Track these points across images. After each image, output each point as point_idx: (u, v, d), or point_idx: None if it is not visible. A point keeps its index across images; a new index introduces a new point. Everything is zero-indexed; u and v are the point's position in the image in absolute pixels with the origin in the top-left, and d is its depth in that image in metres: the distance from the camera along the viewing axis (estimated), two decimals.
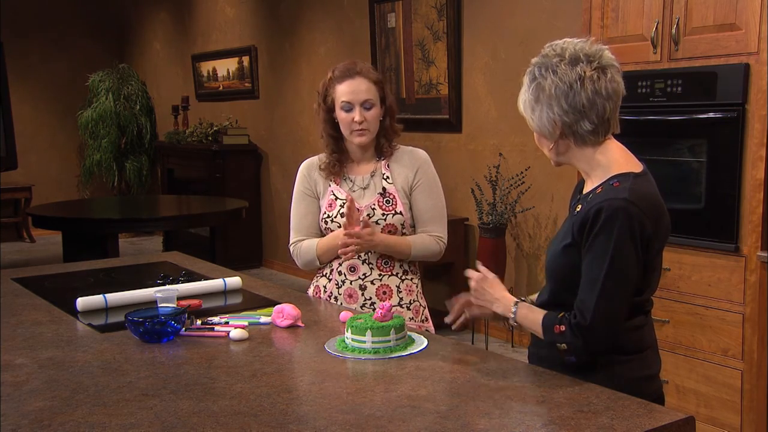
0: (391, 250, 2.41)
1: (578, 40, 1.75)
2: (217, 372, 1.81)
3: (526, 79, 1.76)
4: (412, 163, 2.47)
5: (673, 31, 3.12)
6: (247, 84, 7.67)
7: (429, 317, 2.55)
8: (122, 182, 9.15)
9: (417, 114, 5.54)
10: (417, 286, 2.51)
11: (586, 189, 1.80)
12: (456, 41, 5.15)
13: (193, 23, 8.57)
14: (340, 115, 2.39)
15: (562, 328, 1.69)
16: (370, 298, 2.43)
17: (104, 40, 9.86)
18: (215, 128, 7.70)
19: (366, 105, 2.37)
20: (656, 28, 3.18)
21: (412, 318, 2.45)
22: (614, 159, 1.76)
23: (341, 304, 2.44)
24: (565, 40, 1.75)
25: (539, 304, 1.87)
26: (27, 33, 9.23)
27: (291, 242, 2.55)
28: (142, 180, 9.13)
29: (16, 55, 8.85)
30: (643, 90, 3.24)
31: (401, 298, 2.45)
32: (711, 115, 3.04)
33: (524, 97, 1.76)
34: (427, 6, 5.33)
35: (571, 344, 1.67)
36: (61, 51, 9.51)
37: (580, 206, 1.77)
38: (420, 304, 2.50)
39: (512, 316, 1.80)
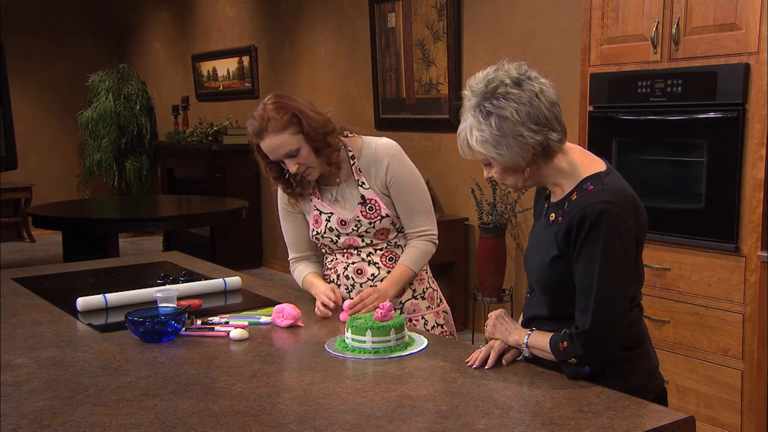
0: (402, 284, 2.35)
1: (490, 68, 1.72)
2: (217, 372, 1.81)
3: (475, 119, 1.69)
4: (380, 162, 2.34)
5: (673, 31, 3.12)
6: (247, 84, 7.67)
7: (443, 298, 2.52)
8: (122, 182, 9.15)
9: (417, 114, 5.54)
10: (426, 272, 2.47)
11: (556, 196, 1.79)
12: (456, 41, 5.15)
13: (193, 23, 8.57)
14: (280, 163, 2.30)
15: (565, 343, 1.68)
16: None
17: (104, 40, 9.86)
18: (215, 128, 7.69)
19: (290, 154, 2.24)
20: (656, 28, 3.18)
21: (429, 306, 2.43)
22: (577, 161, 1.76)
23: None
24: (479, 73, 1.72)
25: (531, 317, 1.86)
26: (27, 33, 9.23)
27: (289, 258, 2.54)
28: (142, 180, 9.13)
29: (16, 55, 8.85)
30: (643, 90, 3.23)
31: (414, 290, 2.41)
32: (711, 115, 3.04)
33: (483, 136, 1.68)
34: (427, 6, 5.33)
35: (578, 355, 1.67)
36: (61, 51, 9.51)
37: (554, 215, 1.77)
38: (432, 289, 2.47)
39: (524, 342, 1.77)
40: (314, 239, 2.44)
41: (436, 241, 2.43)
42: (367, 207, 2.34)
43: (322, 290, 2.33)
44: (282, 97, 2.28)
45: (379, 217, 2.35)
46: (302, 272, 2.48)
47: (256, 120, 2.24)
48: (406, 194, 2.36)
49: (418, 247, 2.38)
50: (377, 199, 2.34)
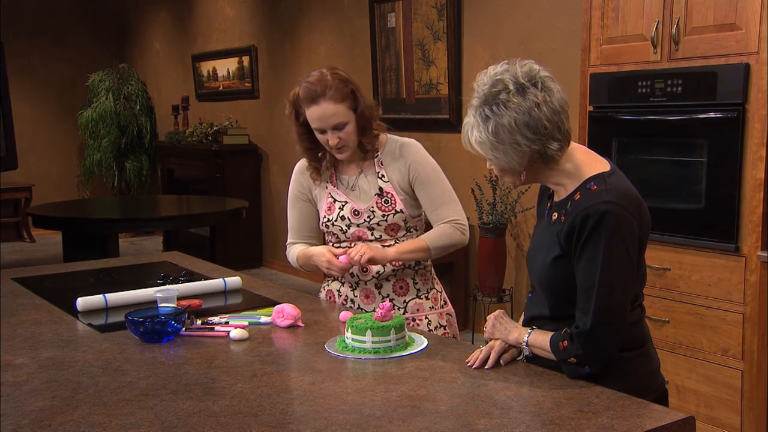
0: (409, 256, 2.34)
1: (502, 66, 1.71)
2: (217, 372, 1.81)
3: (475, 120, 1.70)
4: (404, 159, 2.38)
5: (673, 31, 3.12)
6: (247, 84, 7.67)
7: (447, 300, 2.52)
8: (122, 182, 9.15)
9: (417, 114, 5.54)
10: (430, 272, 2.48)
11: (559, 196, 1.79)
12: (456, 41, 5.15)
13: (193, 23, 8.57)
14: (317, 134, 2.33)
15: (565, 343, 1.68)
16: (388, 295, 2.39)
17: (104, 40, 9.86)
18: (215, 128, 7.70)
19: (338, 127, 2.27)
20: (656, 28, 3.18)
21: (433, 307, 2.43)
22: (581, 162, 1.76)
23: (358, 306, 2.41)
24: (490, 69, 1.72)
25: (532, 317, 1.87)
26: (27, 33, 9.23)
27: (287, 242, 2.56)
28: (142, 180, 9.13)
29: (16, 55, 8.85)
30: (643, 90, 3.23)
31: (419, 290, 2.42)
32: (711, 115, 3.04)
33: (480, 138, 1.69)
34: (427, 6, 5.33)
35: (578, 355, 1.67)
36: (61, 51, 9.51)
37: (556, 214, 1.77)
38: (437, 290, 2.47)
39: (525, 341, 1.77)
40: (324, 227, 2.46)
41: (464, 231, 2.40)
42: (383, 200, 2.37)
43: (321, 250, 2.36)
44: (341, 70, 2.33)
45: (393, 212, 2.36)
46: (297, 249, 2.49)
47: (315, 84, 2.26)
48: (430, 188, 2.38)
49: (441, 228, 2.38)
50: (394, 193, 2.37)
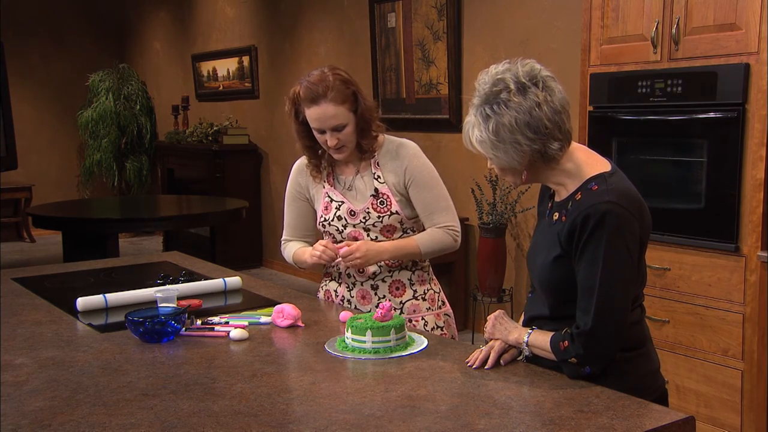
0: (400, 255, 2.35)
1: (503, 65, 1.71)
2: (217, 372, 1.81)
3: (475, 119, 1.70)
4: (400, 161, 2.38)
5: (673, 31, 3.12)
6: (247, 84, 7.67)
7: (446, 300, 2.51)
8: (122, 182, 9.15)
9: (417, 114, 5.54)
10: (428, 273, 2.47)
11: (560, 196, 1.79)
12: (456, 41, 5.15)
13: (193, 23, 8.57)
14: (315, 133, 2.32)
15: (566, 343, 1.68)
16: (384, 296, 2.39)
17: (104, 40, 9.86)
18: (215, 128, 7.70)
19: (337, 128, 2.26)
20: (656, 28, 3.18)
21: (429, 308, 2.43)
22: (582, 162, 1.76)
23: (355, 306, 2.41)
24: (492, 68, 1.72)
25: (532, 317, 1.87)
26: (27, 33, 9.23)
27: (282, 238, 2.57)
28: (142, 180, 9.13)
29: (16, 55, 8.85)
30: (643, 90, 3.23)
31: (415, 291, 2.42)
32: (711, 115, 3.04)
33: (481, 137, 1.70)
34: (427, 6, 5.33)
35: (578, 355, 1.67)
36: (61, 51, 9.51)
37: (557, 214, 1.77)
38: (434, 291, 2.47)
39: (525, 341, 1.77)
40: (320, 226, 2.46)
41: (457, 237, 2.41)
42: (378, 201, 2.36)
43: (314, 245, 2.38)
44: (342, 71, 2.31)
45: (389, 213, 2.36)
46: (293, 247, 2.50)
47: (317, 85, 2.24)
48: (424, 192, 2.38)
49: (434, 232, 2.38)
50: (390, 195, 2.36)
